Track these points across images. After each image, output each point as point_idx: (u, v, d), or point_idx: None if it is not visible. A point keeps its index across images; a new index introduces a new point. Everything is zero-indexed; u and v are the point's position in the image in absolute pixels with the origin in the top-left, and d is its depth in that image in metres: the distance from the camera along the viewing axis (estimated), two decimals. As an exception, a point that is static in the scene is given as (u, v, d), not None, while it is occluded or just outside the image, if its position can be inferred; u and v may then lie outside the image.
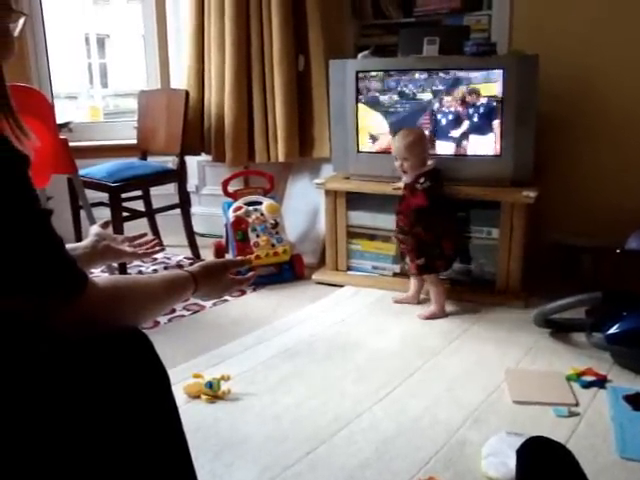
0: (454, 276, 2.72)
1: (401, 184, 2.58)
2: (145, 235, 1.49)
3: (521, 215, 2.50)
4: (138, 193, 3.28)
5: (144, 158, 3.38)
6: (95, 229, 1.37)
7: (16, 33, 0.92)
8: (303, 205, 3.30)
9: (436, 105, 2.65)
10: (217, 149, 3.36)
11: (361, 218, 2.86)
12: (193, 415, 1.74)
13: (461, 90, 2.59)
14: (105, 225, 1.41)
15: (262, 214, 2.95)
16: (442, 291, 2.50)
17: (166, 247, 3.45)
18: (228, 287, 1.24)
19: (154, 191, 3.34)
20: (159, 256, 3.30)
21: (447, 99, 2.63)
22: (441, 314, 2.46)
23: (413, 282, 2.61)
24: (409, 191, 2.49)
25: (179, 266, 3.16)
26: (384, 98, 2.74)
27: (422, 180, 2.43)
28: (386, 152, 2.77)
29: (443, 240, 2.47)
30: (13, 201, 0.79)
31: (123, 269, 2.90)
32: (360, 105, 2.78)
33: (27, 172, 0.82)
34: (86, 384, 0.82)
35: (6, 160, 0.80)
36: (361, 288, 2.79)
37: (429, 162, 2.51)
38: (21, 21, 0.92)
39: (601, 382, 1.88)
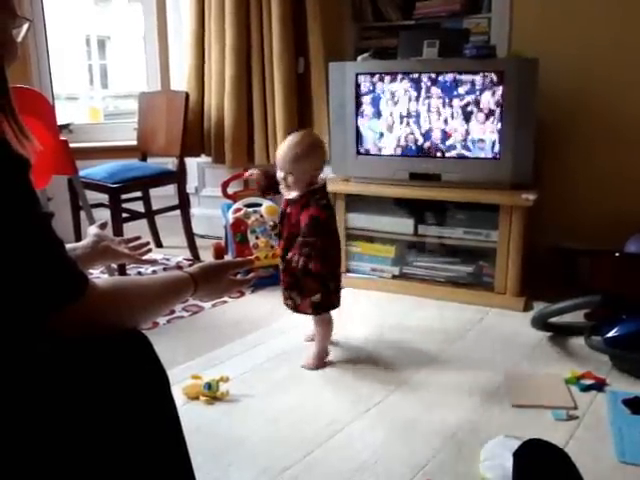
0: (453, 278, 2.73)
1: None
2: (140, 238, 1.50)
3: (520, 218, 2.51)
4: (138, 194, 3.29)
5: (144, 159, 3.39)
6: (93, 230, 1.38)
7: (19, 38, 0.92)
8: (302, 207, 3.29)
9: (435, 108, 2.66)
10: (217, 151, 3.37)
11: (360, 220, 2.86)
12: (191, 416, 1.73)
13: (460, 92, 2.60)
14: (103, 226, 1.42)
15: (261, 216, 2.95)
16: (330, 332, 2.12)
17: (165, 248, 3.48)
18: (227, 288, 1.25)
19: (154, 192, 3.34)
20: (158, 257, 3.30)
21: (446, 102, 2.63)
22: (324, 358, 2.08)
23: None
24: (296, 208, 2.01)
25: (178, 267, 3.16)
26: (383, 100, 2.74)
27: (318, 196, 2.00)
28: (386, 154, 2.78)
29: (338, 269, 2.11)
30: (13, 204, 0.79)
31: (122, 270, 2.90)
32: (359, 107, 2.78)
33: (28, 175, 0.82)
34: (86, 385, 0.83)
35: (6, 163, 0.80)
36: (360, 290, 2.79)
37: (321, 176, 2.06)
38: (25, 27, 0.93)
39: (600, 386, 1.88)
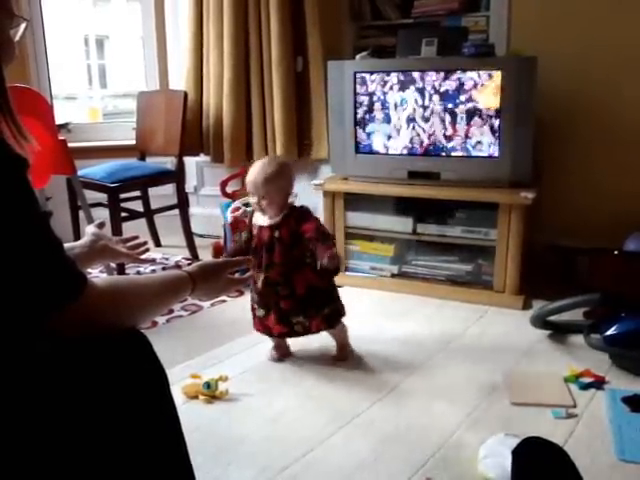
0: (452, 277, 2.73)
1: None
2: (137, 237, 1.50)
3: (519, 216, 2.51)
4: (137, 194, 3.29)
5: (143, 159, 3.38)
6: (91, 229, 1.38)
7: (17, 38, 0.92)
8: (301, 206, 3.30)
9: (434, 106, 2.66)
10: (215, 150, 3.37)
11: (359, 219, 2.86)
12: (191, 416, 1.73)
13: (459, 91, 2.60)
14: (100, 225, 1.42)
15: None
16: (346, 329, 2.14)
17: (164, 247, 3.48)
18: (226, 287, 1.25)
19: (153, 192, 3.34)
20: (157, 257, 3.30)
21: (445, 100, 2.63)
22: (349, 347, 2.16)
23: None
24: (285, 229, 1.96)
25: (177, 266, 3.16)
26: (382, 99, 2.74)
27: (304, 210, 2.01)
28: (385, 153, 2.78)
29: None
30: (12, 204, 0.79)
31: (122, 269, 2.90)
32: (358, 106, 2.78)
33: (26, 175, 0.82)
34: (85, 384, 0.83)
35: (4, 163, 0.80)
36: (359, 289, 2.79)
37: (290, 199, 2.02)
38: (22, 26, 0.93)
39: (599, 384, 1.88)
